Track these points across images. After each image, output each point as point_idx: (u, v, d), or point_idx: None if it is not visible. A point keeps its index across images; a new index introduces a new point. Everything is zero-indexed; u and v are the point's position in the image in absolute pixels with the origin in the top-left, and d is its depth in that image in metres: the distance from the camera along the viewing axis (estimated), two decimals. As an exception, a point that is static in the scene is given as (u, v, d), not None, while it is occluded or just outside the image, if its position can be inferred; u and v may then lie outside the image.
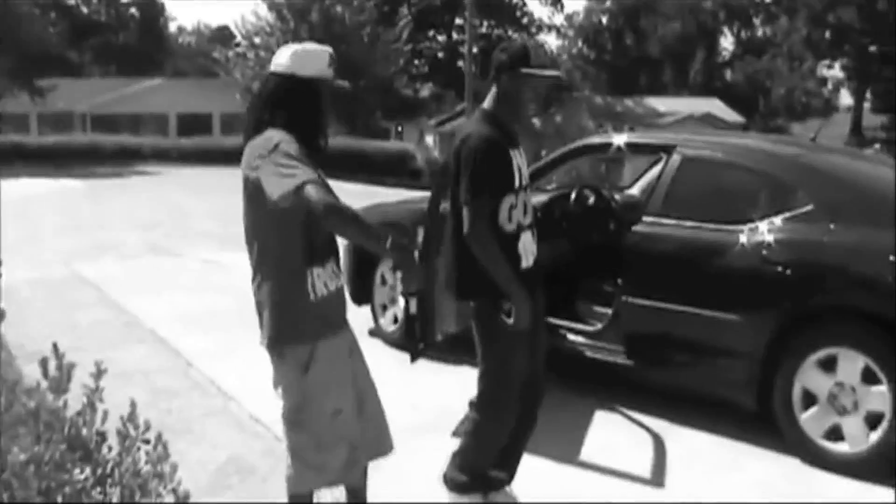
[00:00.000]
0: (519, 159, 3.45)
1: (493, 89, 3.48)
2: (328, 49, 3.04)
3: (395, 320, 6.17)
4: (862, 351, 4.09)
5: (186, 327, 6.82)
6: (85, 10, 59.76)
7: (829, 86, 60.11)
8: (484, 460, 3.59)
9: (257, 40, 33.76)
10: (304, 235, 2.89)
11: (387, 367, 5.06)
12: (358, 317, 5.86)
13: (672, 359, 4.89)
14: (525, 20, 50.59)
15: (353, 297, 6.22)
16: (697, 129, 28.81)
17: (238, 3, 53.58)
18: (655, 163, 6.07)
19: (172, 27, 78.69)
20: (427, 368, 5.01)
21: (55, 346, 2.11)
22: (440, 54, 49.96)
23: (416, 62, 44.51)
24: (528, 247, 3.47)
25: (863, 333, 4.13)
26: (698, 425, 4.73)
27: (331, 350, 2.99)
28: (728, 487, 4.05)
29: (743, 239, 4.52)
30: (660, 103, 44.82)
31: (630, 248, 4.96)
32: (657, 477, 4.18)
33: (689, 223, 4.78)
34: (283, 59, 2.99)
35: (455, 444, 3.76)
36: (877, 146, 31.91)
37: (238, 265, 3.46)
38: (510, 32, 48.39)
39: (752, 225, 4.53)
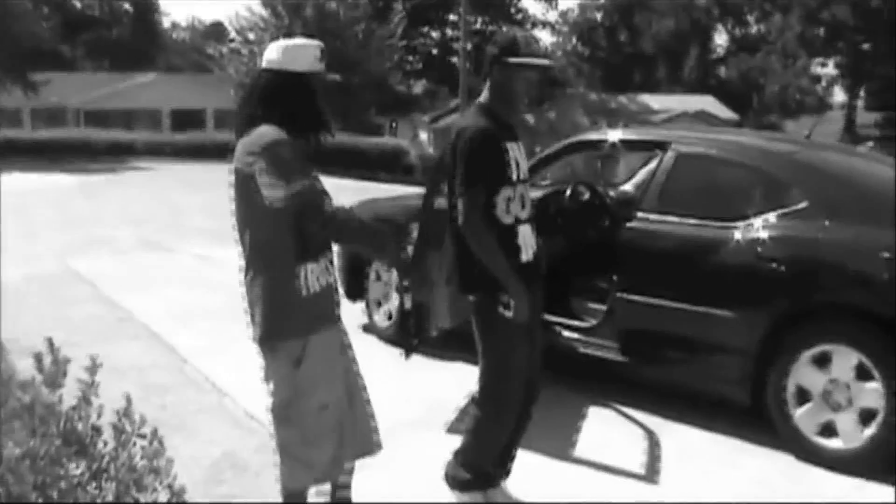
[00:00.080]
0: (517, 152, 3.44)
1: (488, 83, 3.49)
2: (318, 43, 3.04)
3: (390, 316, 6.16)
4: (856, 348, 4.10)
5: (180, 323, 6.80)
6: (78, 4, 59.47)
7: (823, 83, 60.18)
8: (486, 458, 3.58)
9: (251, 36, 33.76)
10: (296, 231, 2.89)
11: (381, 362, 5.07)
12: (351, 313, 5.83)
13: (666, 355, 4.89)
14: (519, 16, 50.50)
15: (348, 293, 6.22)
16: (691, 125, 28.88)
17: (232, -2, 53.47)
18: (650, 159, 6.06)
19: (166, 22, 78.52)
20: (421, 364, 5.00)
21: (50, 340, 2.11)
22: (434, 50, 49.91)
23: (410, 58, 44.48)
24: (527, 240, 3.46)
25: (857, 330, 4.14)
26: (693, 422, 4.73)
27: (323, 345, 2.99)
28: (722, 484, 4.05)
29: (737, 235, 4.52)
30: (654, 100, 44.88)
31: (625, 244, 4.97)
32: (651, 473, 4.18)
33: (683, 220, 4.78)
34: (273, 54, 2.99)
35: (449, 439, 3.75)
36: (870, 144, 31.96)
37: (231, 261, 3.45)
38: (504, 29, 48.35)
39: (746, 222, 4.53)
